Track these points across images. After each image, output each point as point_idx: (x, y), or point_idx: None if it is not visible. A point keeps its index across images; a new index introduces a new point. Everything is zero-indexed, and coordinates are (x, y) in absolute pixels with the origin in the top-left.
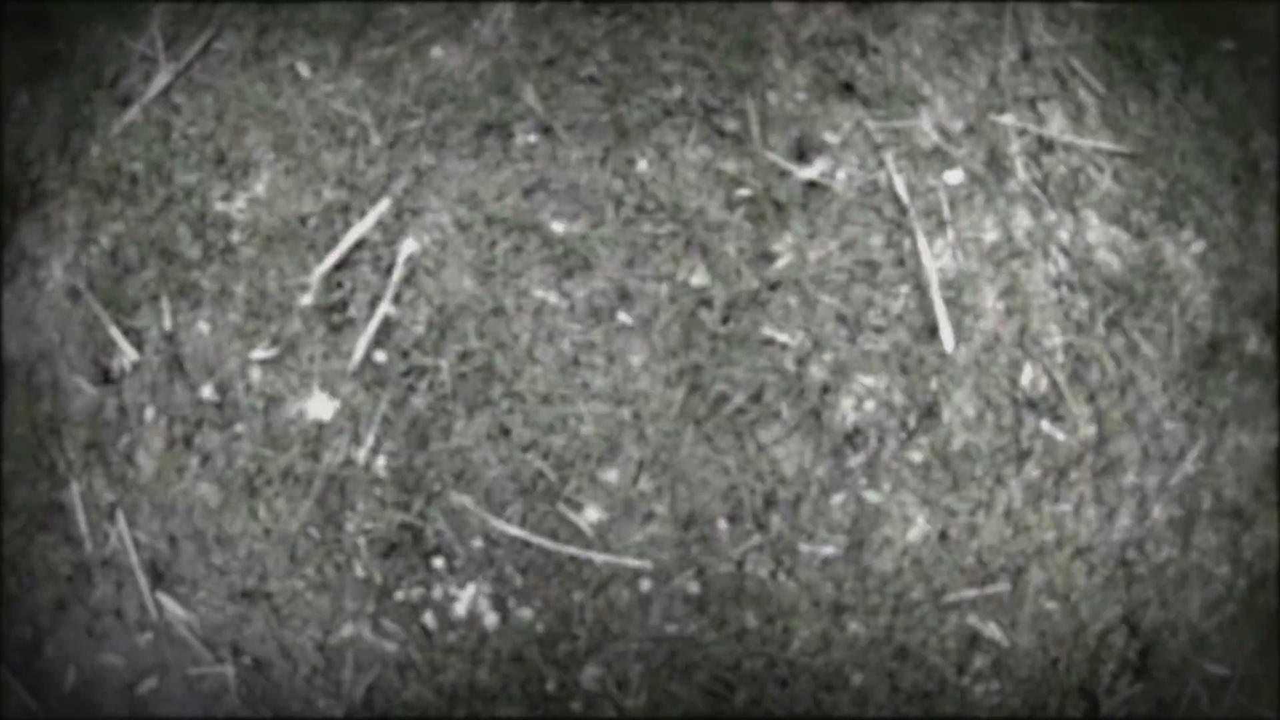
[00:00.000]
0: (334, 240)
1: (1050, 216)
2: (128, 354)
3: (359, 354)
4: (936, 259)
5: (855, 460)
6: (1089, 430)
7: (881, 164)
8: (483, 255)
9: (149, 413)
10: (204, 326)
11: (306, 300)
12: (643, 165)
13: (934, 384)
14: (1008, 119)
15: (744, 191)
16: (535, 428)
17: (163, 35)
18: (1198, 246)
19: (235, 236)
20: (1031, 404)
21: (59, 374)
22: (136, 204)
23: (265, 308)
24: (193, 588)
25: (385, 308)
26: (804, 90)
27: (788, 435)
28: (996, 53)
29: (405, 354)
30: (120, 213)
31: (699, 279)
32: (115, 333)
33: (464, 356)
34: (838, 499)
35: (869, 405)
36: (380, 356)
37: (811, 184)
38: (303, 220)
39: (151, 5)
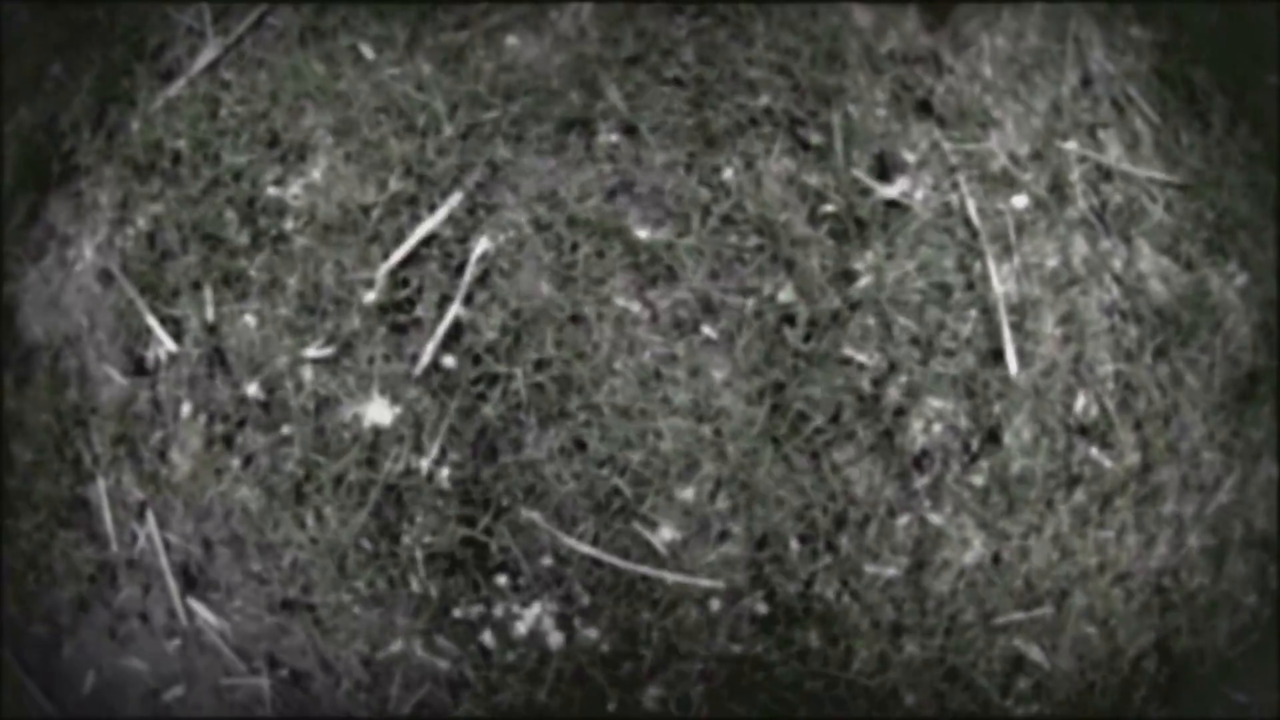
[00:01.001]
0: (400, 234)
1: (1106, 244)
2: (165, 344)
3: (426, 358)
4: (1003, 283)
5: (921, 482)
6: (1134, 458)
7: (955, 185)
8: (562, 258)
9: (186, 408)
10: (250, 319)
11: (369, 297)
12: (729, 173)
13: (997, 408)
14: (1070, 145)
15: (828, 207)
16: (612, 442)
17: (210, 7)
18: (1241, 279)
19: (289, 224)
20: (1083, 430)
21: (87, 361)
22: (179, 184)
23: (321, 302)
24: (228, 594)
25: (456, 309)
26: (884, 106)
27: (861, 456)
28: (1059, 78)
29: (476, 360)
30: (160, 193)
31: (785, 295)
32: (152, 321)
33: (539, 365)
34: (903, 520)
35: (936, 428)
36: (449, 361)
37: (892, 203)
38: (365, 210)
39: None
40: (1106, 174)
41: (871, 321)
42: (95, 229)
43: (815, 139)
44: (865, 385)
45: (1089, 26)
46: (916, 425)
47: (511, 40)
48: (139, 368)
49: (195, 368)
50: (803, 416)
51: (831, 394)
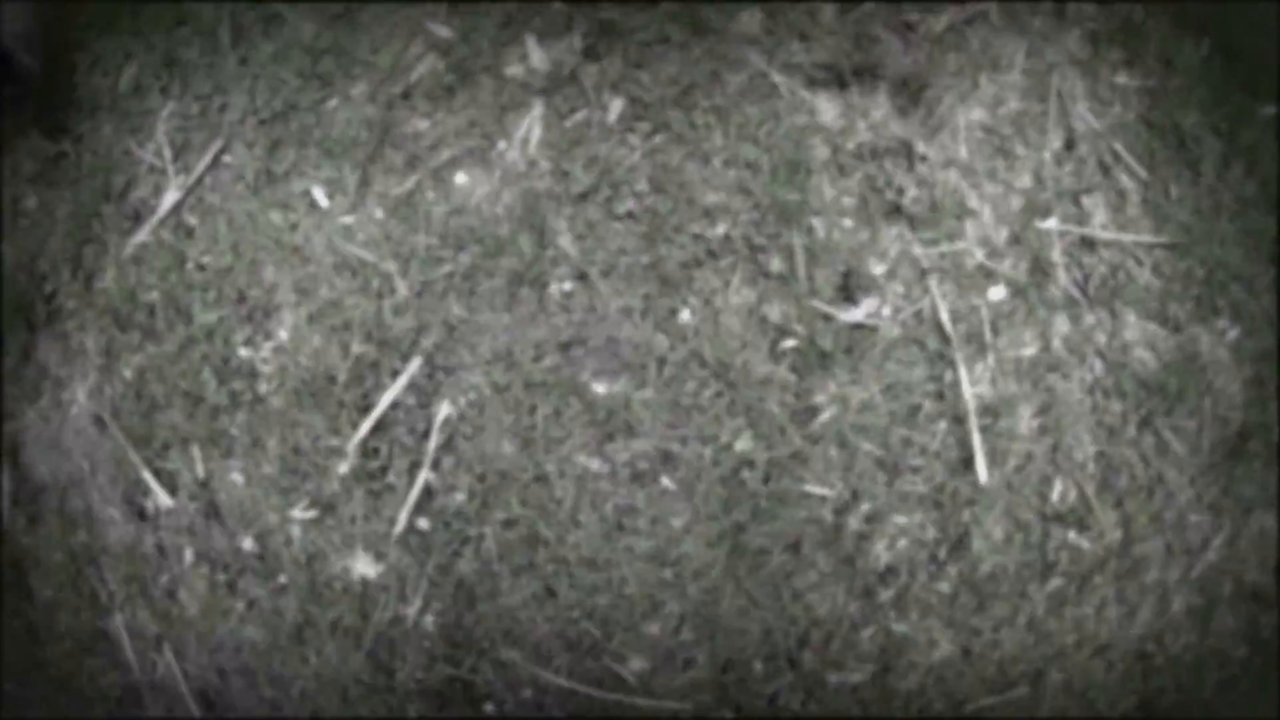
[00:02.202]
0: (365, 399)
1: (1089, 319)
2: (160, 497)
3: (401, 524)
4: (975, 385)
5: (886, 595)
6: (1115, 535)
7: (927, 291)
8: (522, 420)
9: (188, 555)
10: (238, 477)
11: (343, 468)
12: (685, 316)
13: (966, 515)
14: (1051, 223)
15: (789, 343)
16: (580, 590)
17: (170, 143)
18: (1233, 334)
19: (263, 387)
20: (1059, 517)
21: (92, 503)
22: (157, 339)
23: (301, 465)
24: (245, 716)
25: (424, 475)
26: (851, 215)
27: (823, 581)
28: (1041, 143)
29: (448, 522)
30: (140, 345)
31: (743, 444)
32: (146, 475)
33: (508, 524)
34: (867, 632)
35: (902, 544)
36: (423, 523)
37: (857, 325)
38: (332, 378)
39: (158, 108)
40: (1090, 244)
41: (834, 452)
42: (85, 373)
43: (776, 265)
44: (827, 516)
45: (1072, 79)
46: (880, 545)
47: (461, 179)
48: (141, 514)
49: (193, 519)
50: (764, 552)
51: (793, 526)
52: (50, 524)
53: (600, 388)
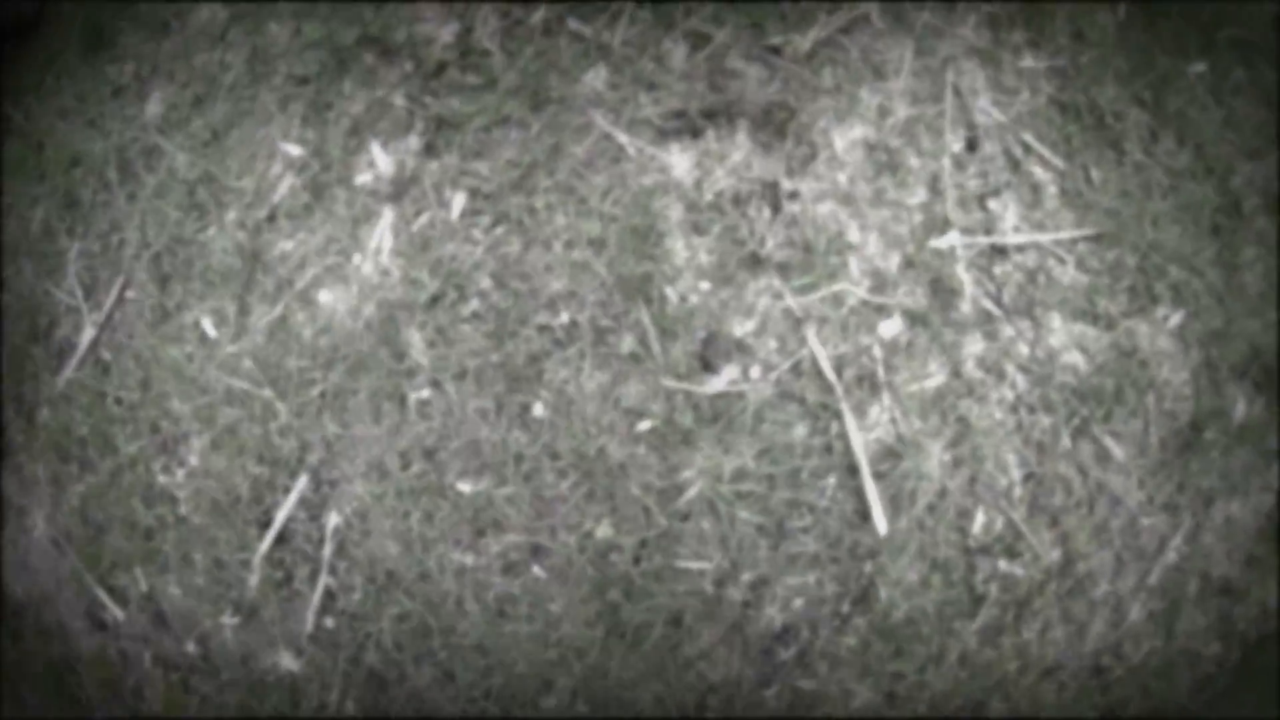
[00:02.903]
0: (266, 514)
1: (1007, 332)
2: (114, 611)
3: (309, 625)
4: (871, 431)
5: (786, 654)
6: (1053, 555)
7: (803, 341)
8: (399, 524)
9: (147, 658)
10: (175, 590)
11: (254, 579)
12: (539, 410)
13: (868, 567)
14: (951, 238)
15: (645, 425)
16: (475, 672)
17: (80, 283)
18: (1176, 319)
19: (183, 509)
20: (985, 549)
21: (62, 618)
22: (92, 470)
23: (224, 576)
24: None
25: (324, 579)
26: (709, 276)
27: (712, 649)
28: (938, 149)
29: (350, 620)
30: (80, 475)
31: (603, 531)
32: (100, 591)
33: (401, 618)
34: (771, 691)
35: (797, 603)
36: (329, 622)
37: (720, 395)
38: (237, 498)
39: (67, 249)
40: (1000, 251)
41: (707, 526)
42: (41, 501)
43: (627, 345)
44: (707, 587)
45: (971, 72)
46: (771, 609)
47: (325, 297)
48: (101, 626)
49: (144, 628)
50: (645, 625)
51: (671, 601)
52: (30, 638)
53: (466, 487)
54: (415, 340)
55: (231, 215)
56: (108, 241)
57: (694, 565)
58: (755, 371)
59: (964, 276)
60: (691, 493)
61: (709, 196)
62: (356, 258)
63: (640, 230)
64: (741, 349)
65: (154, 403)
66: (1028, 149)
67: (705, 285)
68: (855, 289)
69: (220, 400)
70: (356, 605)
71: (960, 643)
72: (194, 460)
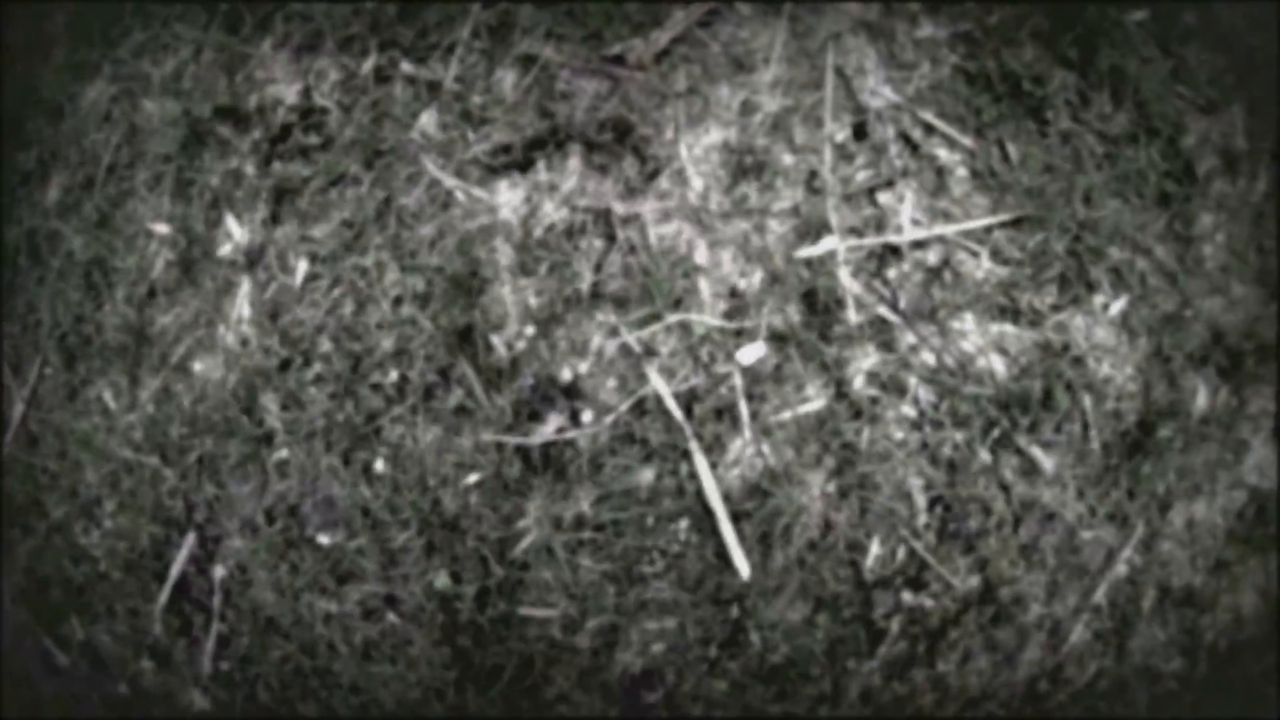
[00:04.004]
0: (165, 569)
1: (906, 341)
2: (60, 657)
3: (206, 669)
4: (731, 468)
5: (653, 696)
6: (971, 581)
7: (643, 378)
8: (272, 576)
9: (95, 699)
10: (105, 638)
11: (157, 630)
12: (380, 466)
13: (734, 611)
14: (827, 244)
15: (473, 477)
16: (352, 709)
17: (9, 362)
18: (1117, 307)
19: (102, 566)
20: (883, 583)
21: (26, 663)
22: (32, 534)
23: (140, 623)
24: None
25: (215, 627)
26: (536, 320)
27: (570, 691)
28: (815, 141)
29: (242, 663)
30: (23, 539)
31: (441, 582)
32: (47, 640)
33: (283, 660)
34: None
35: (657, 648)
36: (224, 665)
37: (550, 444)
38: (142, 554)
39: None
40: (894, 251)
41: (548, 575)
42: (4, 560)
43: (454, 399)
44: (556, 634)
45: (858, 50)
46: (627, 654)
47: (199, 366)
48: (55, 671)
49: (87, 671)
50: (497, 669)
51: (521, 646)
52: (7, 687)
53: (324, 540)
54: (271, 405)
55: (120, 294)
56: (26, 322)
57: (538, 613)
58: (587, 416)
59: (848, 284)
60: (527, 542)
61: (538, 233)
62: (221, 328)
63: (462, 279)
64: (571, 394)
65: (70, 471)
66: (929, 129)
67: (530, 331)
68: (702, 316)
69: (121, 467)
70: (246, 648)
71: (860, 680)
72: (107, 523)
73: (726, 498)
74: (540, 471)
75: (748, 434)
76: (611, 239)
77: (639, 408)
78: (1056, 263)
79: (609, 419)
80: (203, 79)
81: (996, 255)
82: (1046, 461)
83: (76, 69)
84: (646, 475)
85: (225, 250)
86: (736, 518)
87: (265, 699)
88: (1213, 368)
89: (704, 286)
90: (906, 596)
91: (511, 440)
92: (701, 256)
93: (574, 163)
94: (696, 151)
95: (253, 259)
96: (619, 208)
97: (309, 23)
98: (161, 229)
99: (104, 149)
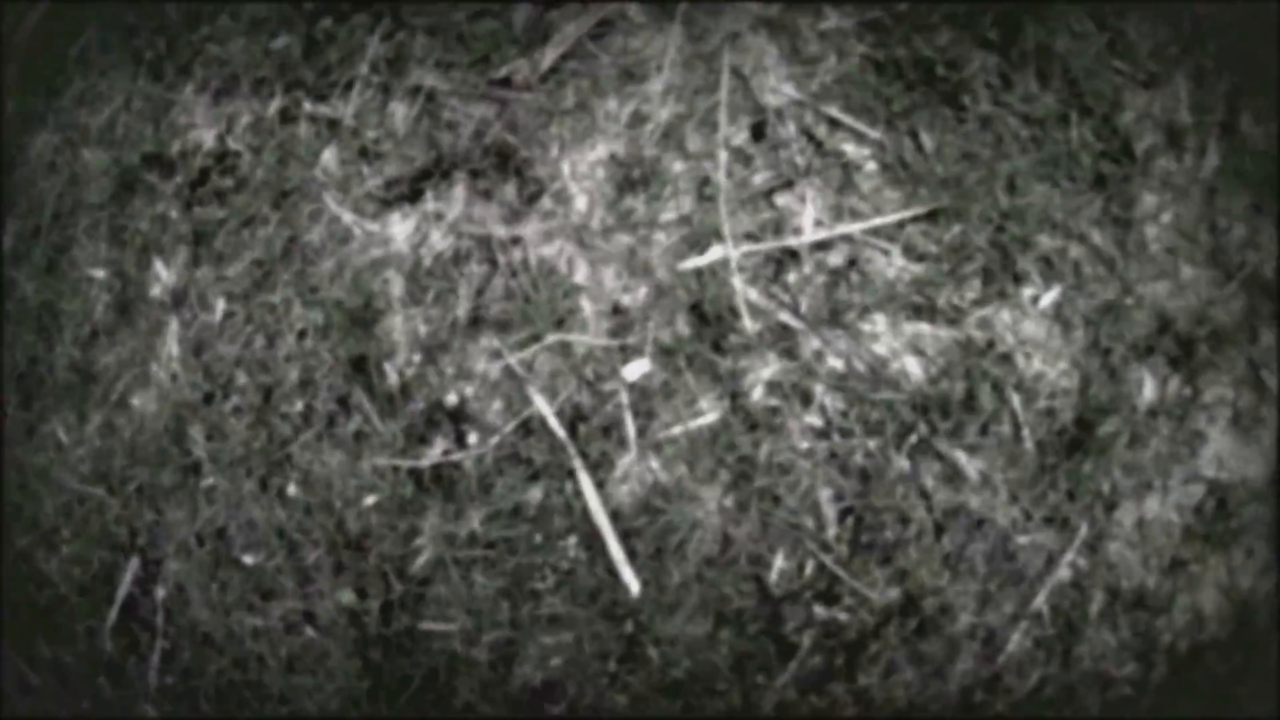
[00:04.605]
0: (114, 593)
1: (810, 347)
2: (32, 677)
3: (154, 683)
4: (621, 484)
5: (556, 709)
6: (891, 593)
7: (527, 400)
8: (205, 595)
9: (64, 715)
10: (69, 658)
11: (109, 648)
12: (292, 490)
13: (629, 626)
14: (714, 253)
15: (371, 499)
16: (282, 718)
17: None
18: (1049, 299)
19: (62, 589)
20: (792, 596)
21: (4, 683)
22: (1, 562)
23: (96, 642)
24: None
25: (159, 644)
26: (424, 347)
27: (476, 701)
28: (709, 146)
29: (185, 677)
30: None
31: (346, 598)
32: (19, 661)
33: (220, 674)
34: None
35: (555, 662)
36: (169, 680)
37: (438, 465)
38: (94, 578)
39: None
40: (793, 254)
41: (443, 590)
42: None
43: (353, 425)
44: (456, 647)
45: (756, 49)
46: (525, 668)
47: (136, 401)
48: (29, 690)
49: (55, 689)
50: (405, 679)
51: (425, 659)
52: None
53: (248, 560)
54: (198, 435)
55: (68, 335)
56: None
57: (438, 627)
58: (473, 438)
59: (743, 292)
60: (423, 560)
61: (427, 263)
62: (154, 365)
63: (357, 312)
64: (457, 417)
65: (31, 503)
66: (834, 124)
67: (417, 358)
68: (582, 335)
69: (74, 498)
70: (187, 663)
71: (775, 694)
72: (64, 549)
73: (616, 515)
74: (432, 492)
75: (635, 450)
76: (494, 264)
77: (525, 428)
78: (978, 255)
79: (494, 440)
80: (132, 127)
81: (909, 252)
82: (971, 466)
83: (25, 119)
84: (534, 494)
85: (155, 292)
86: (627, 535)
87: (207, 710)
88: (1161, 357)
89: (586, 305)
90: (819, 610)
91: (404, 464)
92: (582, 275)
93: (459, 190)
94: (581, 168)
95: (178, 299)
96: (500, 232)
97: (225, 66)
98: (99, 274)
99: (49, 197)
